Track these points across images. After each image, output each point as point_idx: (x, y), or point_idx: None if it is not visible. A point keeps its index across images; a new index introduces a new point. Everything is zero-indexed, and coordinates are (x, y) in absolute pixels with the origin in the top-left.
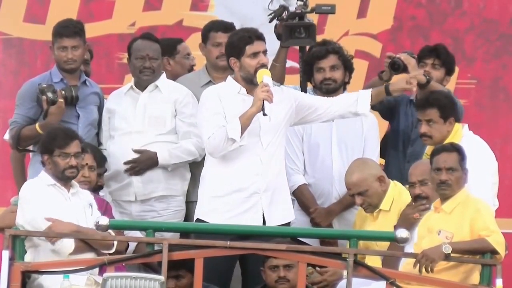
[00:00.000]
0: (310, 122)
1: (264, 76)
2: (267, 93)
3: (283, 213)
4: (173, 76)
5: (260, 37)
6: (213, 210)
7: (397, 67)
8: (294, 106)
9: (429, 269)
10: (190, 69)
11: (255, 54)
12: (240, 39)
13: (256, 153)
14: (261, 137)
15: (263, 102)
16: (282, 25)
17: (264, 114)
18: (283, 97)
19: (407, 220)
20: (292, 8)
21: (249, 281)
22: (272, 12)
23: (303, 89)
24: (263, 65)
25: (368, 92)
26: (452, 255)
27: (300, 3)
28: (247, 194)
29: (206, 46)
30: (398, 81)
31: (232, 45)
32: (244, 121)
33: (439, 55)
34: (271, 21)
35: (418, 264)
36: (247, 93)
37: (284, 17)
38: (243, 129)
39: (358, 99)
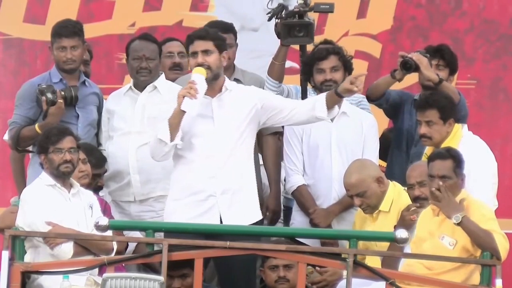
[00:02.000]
0: (278, 124)
1: (193, 74)
2: (189, 89)
3: (247, 214)
4: None
5: (201, 37)
6: (173, 213)
7: (409, 66)
8: (260, 106)
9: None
10: (172, 66)
11: (193, 54)
12: (186, 40)
13: (211, 155)
14: (215, 138)
15: (183, 99)
16: (281, 24)
17: (182, 111)
18: (245, 96)
19: (405, 222)
20: (291, 7)
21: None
22: (271, 11)
23: (304, 89)
24: (200, 65)
25: (324, 95)
26: (451, 254)
27: (300, 1)
28: (203, 197)
29: None
30: (344, 82)
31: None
32: (171, 121)
33: (443, 56)
34: (270, 19)
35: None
36: (205, 93)
37: (283, 15)
38: (172, 129)
39: (315, 103)
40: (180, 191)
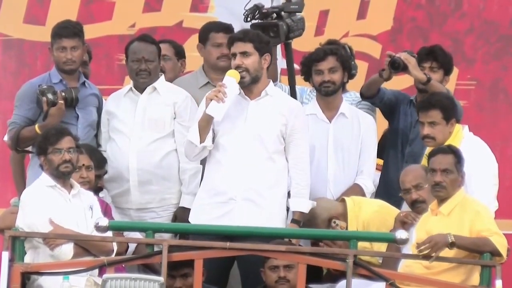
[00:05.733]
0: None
1: (225, 77)
2: (217, 93)
3: (266, 223)
4: None
5: (241, 39)
6: (197, 212)
7: (397, 65)
8: (291, 125)
9: (433, 254)
10: None
11: (233, 55)
12: (227, 41)
13: (236, 157)
14: (243, 140)
15: (210, 102)
16: (251, 26)
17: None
18: (284, 105)
19: (401, 225)
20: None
21: (248, 282)
22: (246, 12)
23: (292, 88)
24: (237, 67)
25: (300, 209)
26: (449, 253)
27: (283, 0)
28: (224, 199)
29: (206, 47)
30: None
31: None
32: (199, 123)
33: (436, 58)
34: (245, 20)
35: (422, 248)
36: (245, 95)
37: (257, 16)
38: (201, 131)
39: (293, 198)
40: (205, 190)
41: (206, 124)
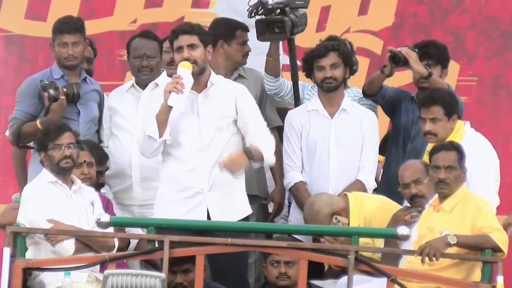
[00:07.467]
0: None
1: (179, 68)
2: (175, 84)
3: (235, 210)
4: None
5: (186, 31)
6: (162, 209)
7: (398, 60)
8: (236, 105)
9: (434, 258)
10: (170, 61)
11: (178, 49)
12: (170, 35)
13: (197, 152)
14: (201, 135)
15: (169, 94)
16: (255, 21)
17: (169, 106)
18: (230, 90)
19: (398, 222)
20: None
21: (217, 278)
22: (250, 7)
23: (295, 83)
24: (186, 60)
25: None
26: (454, 251)
27: None
28: (190, 194)
29: (230, 45)
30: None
31: None
32: (158, 117)
33: (431, 55)
34: (249, 16)
35: (422, 254)
36: (191, 89)
37: (262, 12)
38: (160, 125)
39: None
40: (168, 187)
41: (165, 117)
